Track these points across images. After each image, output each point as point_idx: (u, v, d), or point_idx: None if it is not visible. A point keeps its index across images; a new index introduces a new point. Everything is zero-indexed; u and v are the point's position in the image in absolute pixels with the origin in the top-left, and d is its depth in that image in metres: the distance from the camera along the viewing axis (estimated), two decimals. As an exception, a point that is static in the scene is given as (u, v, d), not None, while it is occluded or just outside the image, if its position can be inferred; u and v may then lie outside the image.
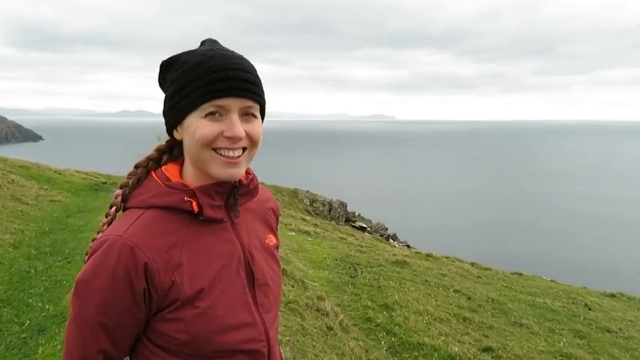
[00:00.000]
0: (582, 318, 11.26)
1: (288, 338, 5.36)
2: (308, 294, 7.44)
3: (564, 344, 9.02)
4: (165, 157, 1.75)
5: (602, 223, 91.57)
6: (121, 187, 1.69)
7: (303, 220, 21.93)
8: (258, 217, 1.84)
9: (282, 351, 4.98)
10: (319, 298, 7.59)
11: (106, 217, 1.68)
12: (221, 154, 1.51)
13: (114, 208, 1.68)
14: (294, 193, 35.78)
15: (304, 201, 35.30)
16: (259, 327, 1.57)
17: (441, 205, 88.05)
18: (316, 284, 9.15)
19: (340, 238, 17.16)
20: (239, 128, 1.46)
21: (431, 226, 63.94)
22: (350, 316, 8.16)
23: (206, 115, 1.45)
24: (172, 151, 1.75)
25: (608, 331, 10.63)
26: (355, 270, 11.05)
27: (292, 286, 7.44)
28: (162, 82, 1.61)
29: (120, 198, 1.67)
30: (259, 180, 1.81)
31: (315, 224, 21.24)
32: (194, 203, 1.58)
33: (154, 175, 1.69)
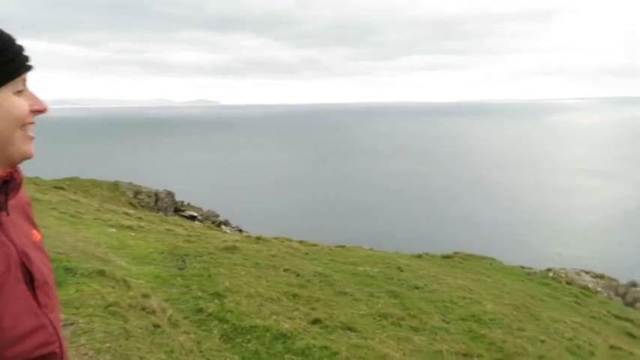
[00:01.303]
0: (396, 279, 12.61)
1: (108, 345, 4.97)
2: (131, 293, 6.98)
3: (382, 305, 10.02)
4: None
5: (407, 195, 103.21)
6: None
7: (126, 214, 20.53)
8: (19, 213, 1.68)
9: (101, 360, 4.59)
10: (144, 295, 7.19)
11: None
12: (27, 132, 1.47)
13: None
14: (115, 186, 33.25)
15: (127, 194, 33.04)
16: (49, 328, 1.53)
17: (269, 188, 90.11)
18: (141, 281, 8.66)
19: (167, 229, 16.47)
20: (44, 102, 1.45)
21: (261, 210, 65.09)
22: (180, 310, 7.90)
23: (17, 92, 1.40)
24: None
25: (416, 287, 12.09)
26: (184, 261, 10.72)
27: (112, 288, 6.90)
28: None
29: None
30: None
31: (140, 217, 20.06)
32: None
33: None
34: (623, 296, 22.89)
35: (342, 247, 19.13)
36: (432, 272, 14.75)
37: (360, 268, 13.30)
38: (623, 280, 23.17)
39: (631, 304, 22.52)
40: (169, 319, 7.00)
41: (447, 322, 9.72)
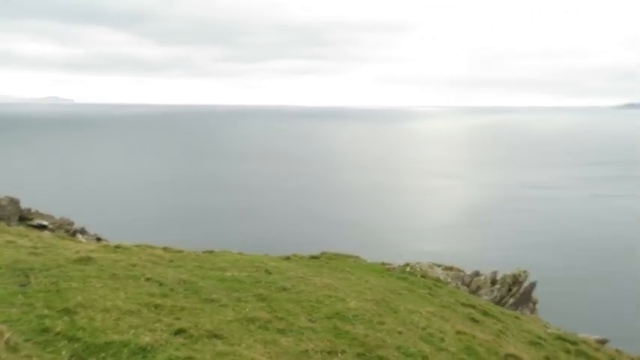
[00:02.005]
0: (264, 282, 12.61)
1: None
2: (-43, 317, 6.05)
3: (249, 309, 9.93)
4: None
5: (276, 197, 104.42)
6: None
7: (-46, 225, 17.85)
8: None
9: None
10: (-26, 319, 6.27)
11: None
12: None
13: None
14: (-60, 193, 28.71)
15: (-44, 202, 28.74)
16: None
17: (131, 193, 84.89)
18: (-29, 303, 7.56)
19: (8, 241, 14.61)
20: None
21: (122, 216, 61.18)
22: (21, 332, 7.04)
23: None
24: None
25: (284, 289, 12.20)
26: (27, 276, 9.59)
27: None
28: None
29: None
30: None
31: (-28, 229, 17.55)
32: None
33: None
34: (468, 285, 25.49)
35: (210, 252, 18.63)
36: (299, 273, 15.00)
37: (228, 273, 13.06)
38: (469, 271, 25.79)
39: (475, 292, 25.17)
40: (7, 343, 6.20)
41: (313, 322, 9.95)
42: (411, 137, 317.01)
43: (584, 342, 14.76)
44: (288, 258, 19.14)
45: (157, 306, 9.07)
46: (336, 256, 22.43)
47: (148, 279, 10.79)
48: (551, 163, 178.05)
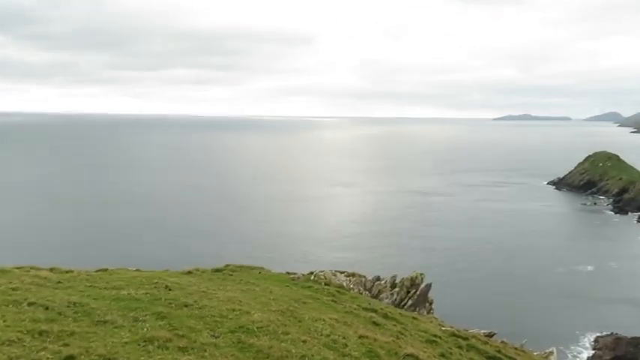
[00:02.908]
0: (163, 299, 12.05)
1: None
2: None
3: (147, 329, 9.42)
4: None
5: (176, 209, 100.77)
6: None
7: None
8: None
9: None
10: None
11: None
12: None
13: None
14: None
15: None
16: None
17: (12, 210, 77.62)
18: None
19: None
20: None
21: (2, 236, 55.70)
22: None
23: None
24: None
25: (185, 305, 11.75)
26: None
27: None
28: None
29: None
30: None
31: None
32: None
33: None
34: (370, 290, 26.35)
35: (104, 270, 17.46)
36: (202, 288, 14.55)
37: (124, 292, 12.32)
38: (370, 276, 26.67)
39: (376, 296, 26.06)
40: None
41: (217, 337, 9.68)
42: (311, 147, 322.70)
43: (475, 337, 15.84)
44: (189, 272, 18.50)
45: (41, 332, 8.31)
46: (240, 268, 22.09)
47: (31, 303, 9.86)
48: (438, 170, 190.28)
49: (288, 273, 23.36)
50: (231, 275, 19.48)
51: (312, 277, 21.52)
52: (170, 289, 13.39)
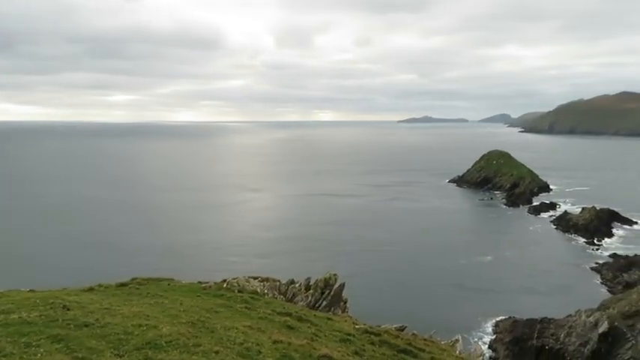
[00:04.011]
0: (61, 321, 11.13)
1: None
2: None
3: (42, 355, 8.64)
4: None
5: (70, 220, 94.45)
6: None
7: None
8: None
9: None
10: None
11: None
12: None
13: None
14: None
15: None
16: None
17: None
18: None
19: None
20: None
21: None
22: None
23: None
24: None
25: (86, 325, 10.94)
26: None
27: None
28: None
29: None
30: None
31: None
32: None
33: None
34: (284, 294, 26.28)
35: (-9, 293, 15.86)
36: (105, 304, 13.67)
37: (14, 316, 11.24)
38: (284, 280, 26.61)
39: (291, 300, 26.05)
40: None
41: (121, 356, 9.12)
42: (220, 153, 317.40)
43: (387, 332, 16.33)
44: (91, 289, 17.34)
45: None
46: (148, 281, 21.14)
47: None
48: (348, 172, 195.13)
49: (200, 282, 22.70)
50: (138, 289, 18.55)
51: (224, 285, 21.06)
52: (68, 309, 12.43)
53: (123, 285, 19.48)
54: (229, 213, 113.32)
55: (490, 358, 47.50)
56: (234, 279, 22.17)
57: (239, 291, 20.07)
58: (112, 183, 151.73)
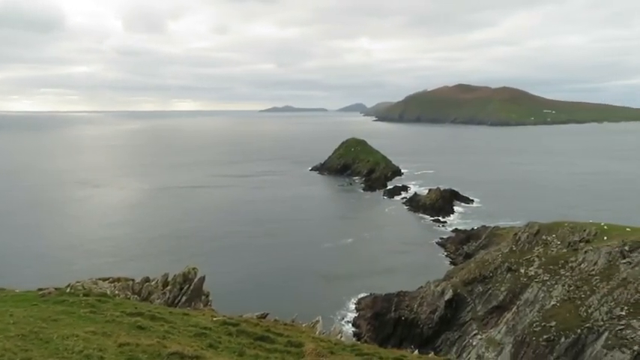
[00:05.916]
0: None
1: None
2: None
3: None
4: None
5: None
6: None
7: None
8: None
9: None
10: None
11: None
12: None
13: None
14: None
15: None
16: None
17: None
18: None
19: None
20: None
21: None
22: None
23: None
24: None
25: None
26: None
27: None
28: None
29: None
30: None
31: None
32: None
33: None
34: (139, 293, 24.71)
35: None
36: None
37: None
38: (138, 279, 25.02)
39: (147, 298, 24.59)
40: None
41: None
42: (65, 146, 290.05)
43: (246, 321, 16.14)
44: None
45: None
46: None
47: None
48: (211, 162, 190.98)
49: (39, 289, 20.34)
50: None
51: (67, 290, 19.09)
52: None
53: None
54: (74, 210, 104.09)
55: (353, 333, 50.10)
56: (78, 282, 20.23)
57: (85, 295, 18.32)
58: None
